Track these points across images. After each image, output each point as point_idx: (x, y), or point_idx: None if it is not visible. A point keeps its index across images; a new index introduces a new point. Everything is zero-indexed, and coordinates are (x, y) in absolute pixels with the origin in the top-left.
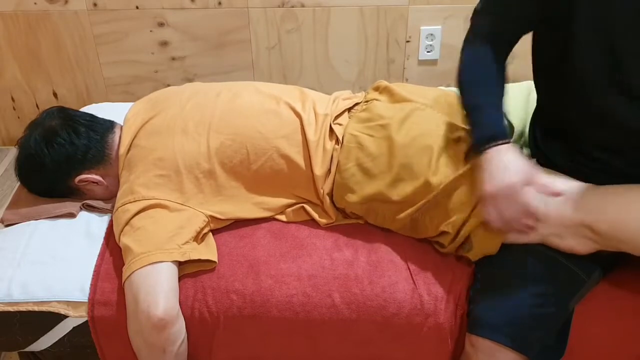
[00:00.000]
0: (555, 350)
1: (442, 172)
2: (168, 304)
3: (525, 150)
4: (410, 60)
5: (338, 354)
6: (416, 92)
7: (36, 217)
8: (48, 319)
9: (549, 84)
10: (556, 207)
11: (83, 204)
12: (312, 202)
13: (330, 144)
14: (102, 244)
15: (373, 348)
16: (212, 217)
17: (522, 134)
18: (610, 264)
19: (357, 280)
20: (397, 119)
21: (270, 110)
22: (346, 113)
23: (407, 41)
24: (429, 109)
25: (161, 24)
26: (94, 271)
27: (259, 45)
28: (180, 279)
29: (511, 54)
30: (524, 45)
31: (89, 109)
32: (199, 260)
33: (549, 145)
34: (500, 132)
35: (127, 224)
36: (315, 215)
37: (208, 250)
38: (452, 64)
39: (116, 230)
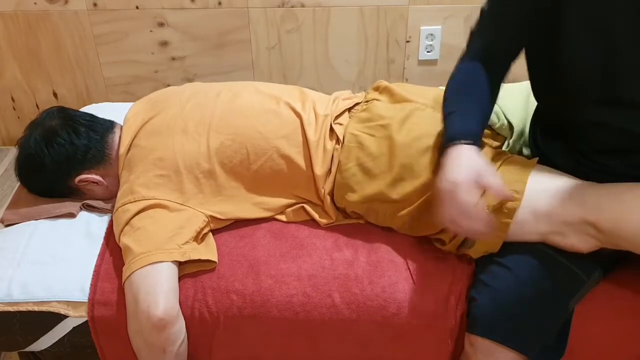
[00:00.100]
0: (555, 350)
1: None
2: (168, 304)
3: (526, 150)
4: (410, 60)
5: (338, 354)
6: (416, 92)
7: (36, 217)
8: (48, 319)
9: (546, 90)
10: (558, 204)
11: (83, 204)
12: (312, 202)
13: (330, 144)
14: (102, 244)
15: (373, 348)
16: (212, 217)
17: (521, 134)
18: (611, 264)
19: (357, 280)
20: (398, 119)
21: (270, 110)
22: (346, 113)
23: (407, 41)
24: (429, 109)
25: (161, 24)
26: (94, 271)
27: (259, 45)
28: (180, 279)
29: None
30: None
31: (89, 109)
32: (199, 260)
33: (549, 145)
34: (462, 133)
35: (127, 224)
36: (316, 215)
37: (208, 250)
38: (452, 64)
39: (116, 230)
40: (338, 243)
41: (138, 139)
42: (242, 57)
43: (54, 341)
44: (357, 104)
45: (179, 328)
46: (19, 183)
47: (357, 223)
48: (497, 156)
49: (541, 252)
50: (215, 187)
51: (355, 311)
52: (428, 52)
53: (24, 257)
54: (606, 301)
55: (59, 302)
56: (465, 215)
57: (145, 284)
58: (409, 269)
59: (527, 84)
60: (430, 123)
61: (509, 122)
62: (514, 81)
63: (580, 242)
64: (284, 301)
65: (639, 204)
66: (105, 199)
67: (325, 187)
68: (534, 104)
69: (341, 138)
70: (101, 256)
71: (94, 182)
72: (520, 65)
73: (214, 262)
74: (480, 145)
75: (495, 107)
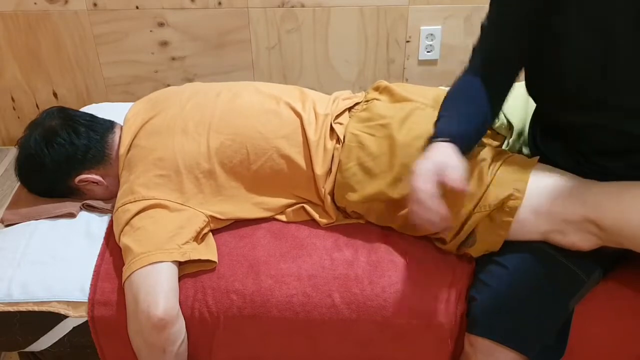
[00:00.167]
0: (555, 350)
1: None
2: (168, 304)
3: (525, 150)
4: (410, 60)
5: (338, 354)
6: (416, 92)
7: (36, 217)
8: (48, 319)
9: (545, 90)
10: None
11: (83, 204)
12: (312, 202)
13: (331, 144)
14: (102, 244)
15: (373, 348)
16: (212, 217)
17: (521, 134)
18: (611, 264)
19: (357, 280)
20: (398, 119)
21: (270, 110)
22: (346, 113)
23: (407, 41)
24: (429, 109)
25: (161, 24)
26: (94, 271)
27: (259, 45)
28: (180, 279)
29: None
30: None
31: (89, 109)
32: (199, 260)
33: (549, 145)
34: (442, 132)
35: (127, 224)
36: (316, 215)
37: (208, 250)
38: (452, 64)
39: (116, 230)
40: (338, 243)
41: (138, 139)
42: (242, 57)
43: (54, 341)
44: (357, 103)
45: (179, 328)
46: (19, 183)
47: (357, 223)
48: (498, 155)
49: (541, 251)
50: (215, 187)
51: (355, 311)
52: (428, 52)
53: (24, 257)
54: (606, 301)
55: (59, 302)
56: (419, 203)
57: (145, 284)
58: (409, 268)
59: None
60: (431, 122)
61: (508, 122)
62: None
63: (581, 241)
64: (284, 301)
65: None
66: (105, 199)
67: (326, 187)
68: (533, 104)
69: (341, 138)
70: (101, 256)
71: (94, 182)
72: None
73: (214, 262)
74: (462, 145)
75: None
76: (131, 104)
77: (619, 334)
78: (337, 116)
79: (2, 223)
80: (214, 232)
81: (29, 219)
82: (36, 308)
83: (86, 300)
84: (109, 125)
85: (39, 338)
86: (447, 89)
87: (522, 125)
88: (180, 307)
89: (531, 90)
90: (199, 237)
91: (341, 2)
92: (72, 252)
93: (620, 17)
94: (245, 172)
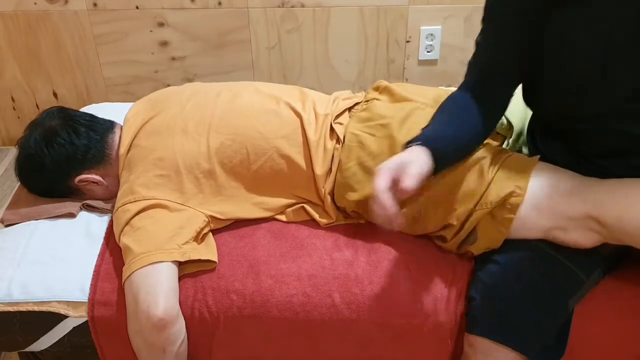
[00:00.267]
0: (555, 350)
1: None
2: (168, 304)
3: (525, 150)
4: (410, 60)
5: (338, 354)
6: (416, 91)
7: (36, 217)
8: (48, 319)
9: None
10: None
11: (83, 204)
12: (312, 202)
13: (331, 144)
14: (102, 244)
15: (373, 348)
16: (212, 217)
17: (521, 134)
18: (611, 264)
19: (357, 280)
20: (398, 118)
21: (270, 110)
22: (346, 113)
23: (407, 41)
24: (429, 109)
25: (161, 24)
26: (94, 271)
27: (259, 45)
28: (180, 279)
29: None
30: None
31: (89, 109)
32: (199, 260)
33: (549, 146)
34: (417, 137)
35: (127, 224)
36: (316, 215)
37: (208, 250)
38: (452, 64)
39: (116, 230)
40: (338, 243)
41: (138, 139)
42: (242, 57)
43: (54, 341)
44: (357, 103)
45: (179, 328)
46: (19, 183)
47: (357, 223)
48: (499, 154)
49: (541, 251)
50: (215, 187)
51: (355, 311)
52: (428, 52)
53: (24, 257)
54: (606, 301)
55: (59, 302)
56: (374, 198)
57: (145, 284)
58: (409, 268)
59: None
60: None
61: (508, 122)
62: None
63: (583, 238)
64: (284, 301)
65: None
66: (105, 199)
67: (326, 187)
68: None
69: (341, 138)
70: (101, 256)
71: (94, 182)
72: None
73: (214, 262)
74: (437, 149)
75: None
76: (131, 104)
77: (619, 334)
78: (337, 116)
79: (2, 223)
80: (214, 232)
81: (29, 219)
82: (36, 308)
83: (86, 300)
84: (109, 125)
85: (39, 338)
86: (447, 89)
87: (522, 125)
88: (180, 307)
89: (529, 92)
90: (199, 237)
91: (341, 2)
92: (72, 252)
93: (620, 17)
94: (245, 172)
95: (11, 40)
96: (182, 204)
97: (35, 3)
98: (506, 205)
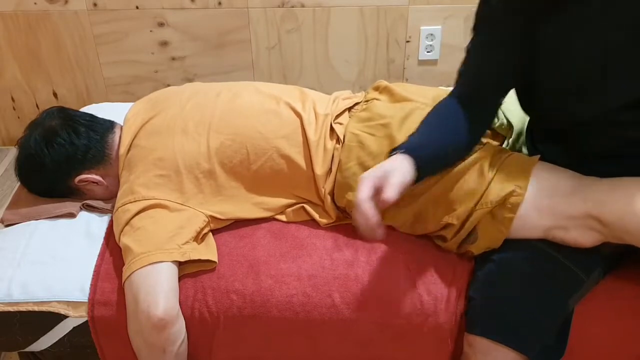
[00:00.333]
0: (555, 350)
1: None
2: (168, 304)
3: (525, 150)
4: (410, 60)
5: (338, 354)
6: (416, 91)
7: (36, 217)
8: (48, 319)
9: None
10: (561, 199)
11: (83, 204)
12: (312, 202)
13: (331, 144)
14: (102, 244)
15: (373, 348)
16: (212, 217)
17: (520, 134)
18: (611, 263)
19: (357, 280)
20: (398, 118)
21: (270, 110)
22: (346, 112)
23: (407, 41)
24: (429, 109)
25: (161, 24)
26: (94, 271)
27: (259, 45)
28: (180, 279)
29: None
30: None
31: (89, 109)
32: (199, 260)
33: (548, 147)
34: (401, 145)
35: (127, 224)
36: (316, 215)
37: (208, 250)
38: (452, 64)
39: (116, 230)
40: (338, 243)
41: (138, 139)
42: (242, 57)
43: (54, 341)
44: (357, 103)
45: (179, 328)
46: (19, 183)
47: None
48: (499, 153)
49: (540, 250)
50: (215, 187)
51: (355, 311)
52: (428, 52)
53: (24, 257)
54: (606, 301)
55: (59, 302)
56: (356, 207)
57: (145, 284)
58: (408, 268)
59: None
60: None
61: (508, 122)
62: None
63: (583, 237)
64: (284, 301)
65: None
66: (105, 199)
67: (326, 187)
68: None
69: (341, 137)
70: (101, 256)
71: (94, 182)
72: None
73: (214, 262)
74: (417, 159)
75: None
76: (131, 104)
77: (619, 334)
78: (337, 116)
79: (2, 223)
80: (214, 232)
81: (29, 219)
82: (36, 308)
83: (86, 300)
84: (109, 125)
85: (39, 338)
86: (447, 89)
87: (522, 125)
88: (180, 307)
89: (527, 101)
90: (199, 237)
91: (341, 2)
92: (72, 252)
93: (620, 17)
94: (245, 172)
95: (11, 40)
96: (182, 204)
97: (35, 3)
98: (506, 205)
